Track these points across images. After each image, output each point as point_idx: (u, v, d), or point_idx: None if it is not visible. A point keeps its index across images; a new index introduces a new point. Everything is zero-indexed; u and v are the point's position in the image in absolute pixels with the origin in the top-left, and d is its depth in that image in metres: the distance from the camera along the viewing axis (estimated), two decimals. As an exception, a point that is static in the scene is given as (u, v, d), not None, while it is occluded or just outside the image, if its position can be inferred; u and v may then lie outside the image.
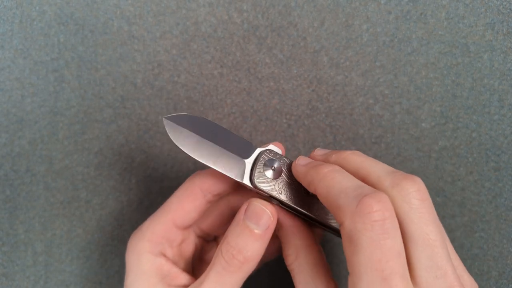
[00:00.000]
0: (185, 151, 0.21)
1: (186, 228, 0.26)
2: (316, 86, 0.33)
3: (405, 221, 0.19)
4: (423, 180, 0.33)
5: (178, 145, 0.22)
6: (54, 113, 0.32)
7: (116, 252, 0.33)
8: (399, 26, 0.32)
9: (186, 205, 0.25)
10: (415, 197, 0.19)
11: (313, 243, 0.23)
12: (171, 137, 0.22)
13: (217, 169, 0.22)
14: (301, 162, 0.23)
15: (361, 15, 0.32)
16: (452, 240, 0.33)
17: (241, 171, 0.23)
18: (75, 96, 0.32)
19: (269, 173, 0.23)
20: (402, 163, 0.33)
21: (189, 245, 0.27)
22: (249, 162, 0.23)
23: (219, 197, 0.26)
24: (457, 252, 0.34)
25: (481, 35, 0.32)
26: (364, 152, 0.33)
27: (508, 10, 0.32)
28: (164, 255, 0.25)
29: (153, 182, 0.33)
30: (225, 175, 0.23)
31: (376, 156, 0.33)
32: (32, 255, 0.33)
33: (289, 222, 0.23)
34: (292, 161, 0.24)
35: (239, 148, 0.23)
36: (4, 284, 0.33)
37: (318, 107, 0.33)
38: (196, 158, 0.22)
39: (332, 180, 0.20)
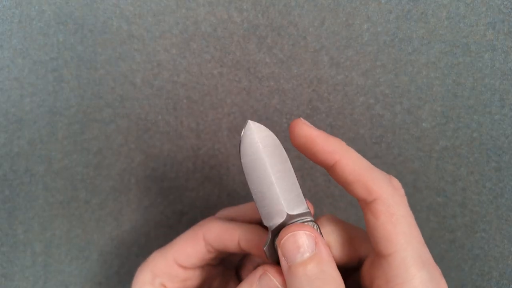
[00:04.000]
0: (243, 163, 0.19)
1: (190, 268, 0.25)
2: (316, 85, 0.33)
3: None
4: (424, 181, 0.33)
5: (242, 155, 0.19)
6: (53, 113, 0.32)
7: (115, 252, 0.33)
8: (399, 26, 0.32)
9: (187, 248, 0.24)
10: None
11: None
12: (244, 143, 0.19)
13: (255, 202, 0.19)
14: (310, 126, 0.19)
15: (361, 14, 0.32)
16: (453, 241, 0.33)
17: (275, 222, 0.19)
18: (74, 95, 0.32)
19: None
20: (403, 163, 0.33)
21: (194, 282, 0.26)
22: (290, 218, 0.19)
23: (221, 254, 0.24)
24: (458, 252, 0.34)
25: (482, 34, 0.32)
26: (365, 152, 0.33)
27: (509, 10, 0.32)
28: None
29: (152, 182, 0.33)
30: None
31: (377, 156, 0.33)
32: (31, 256, 0.33)
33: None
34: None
35: (290, 197, 0.19)
36: (3, 284, 0.33)
37: (319, 106, 0.33)
38: (247, 178, 0.19)
39: (356, 153, 0.19)
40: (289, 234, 0.18)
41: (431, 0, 0.32)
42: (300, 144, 0.19)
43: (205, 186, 0.33)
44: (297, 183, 0.19)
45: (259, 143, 0.19)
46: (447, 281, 0.33)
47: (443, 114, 0.32)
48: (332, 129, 0.33)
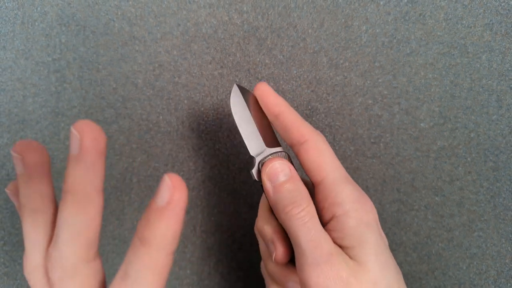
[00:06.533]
0: (232, 113, 0.25)
1: None
2: (315, 86, 0.33)
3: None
4: (422, 180, 0.33)
5: (231, 105, 0.26)
6: (55, 114, 0.33)
7: (117, 251, 0.33)
8: (398, 27, 0.32)
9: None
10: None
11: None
12: (232, 100, 0.26)
13: (244, 140, 0.25)
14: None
15: (360, 16, 0.32)
16: (451, 239, 0.33)
17: (258, 152, 0.25)
18: (77, 96, 0.33)
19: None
20: (401, 162, 0.33)
21: None
22: (268, 152, 0.26)
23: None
24: (456, 251, 0.34)
25: (479, 35, 0.33)
26: (363, 152, 0.33)
27: (507, 11, 0.32)
28: None
29: (154, 181, 0.33)
30: None
31: (375, 156, 0.33)
32: (34, 254, 0.33)
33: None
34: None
35: (268, 138, 0.26)
36: (6, 283, 0.33)
37: (318, 107, 0.33)
38: (237, 123, 0.25)
39: (293, 110, 0.25)
40: (271, 164, 0.24)
41: (429, 2, 0.32)
42: (258, 95, 0.25)
43: (206, 185, 0.33)
44: (274, 131, 0.26)
45: (242, 99, 0.26)
46: (445, 280, 0.33)
47: (440, 115, 0.33)
48: (331, 129, 0.33)
